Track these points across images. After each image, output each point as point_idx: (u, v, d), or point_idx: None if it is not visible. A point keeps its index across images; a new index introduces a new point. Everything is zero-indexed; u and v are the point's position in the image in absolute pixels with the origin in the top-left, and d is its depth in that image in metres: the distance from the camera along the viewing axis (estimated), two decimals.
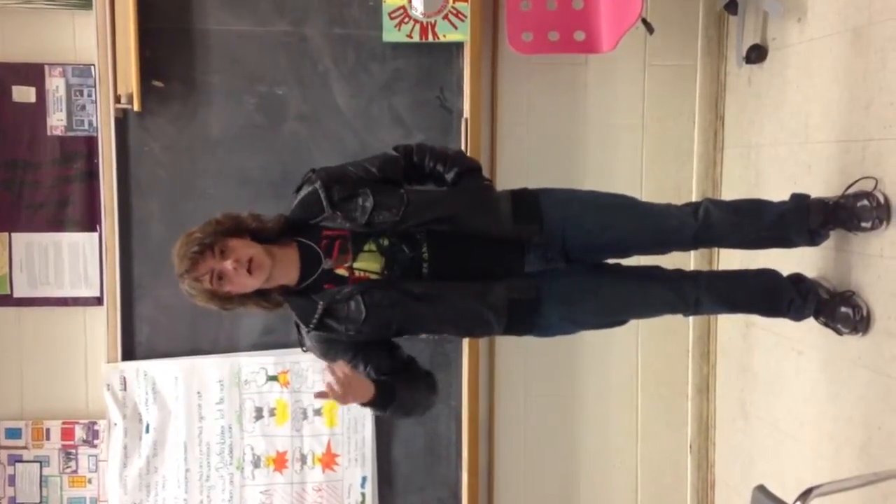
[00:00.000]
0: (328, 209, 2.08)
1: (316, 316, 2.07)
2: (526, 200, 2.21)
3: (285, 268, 2.08)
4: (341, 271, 2.10)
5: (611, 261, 2.36)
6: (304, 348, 2.19)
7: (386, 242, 2.11)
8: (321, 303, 2.06)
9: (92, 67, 2.99)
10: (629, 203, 2.33)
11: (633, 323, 3.22)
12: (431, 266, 2.12)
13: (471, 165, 2.28)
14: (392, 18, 2.96)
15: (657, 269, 2.37)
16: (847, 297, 2.33)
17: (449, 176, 2.23)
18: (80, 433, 3.10)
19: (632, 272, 2.35)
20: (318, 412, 3.08)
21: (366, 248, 2.10)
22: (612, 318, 2.32)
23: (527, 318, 2.19)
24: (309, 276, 2.10)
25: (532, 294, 2.16)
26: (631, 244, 2.31)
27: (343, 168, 2.18)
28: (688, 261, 3.15)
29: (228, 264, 1.97)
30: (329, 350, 2.14)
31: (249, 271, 1.99)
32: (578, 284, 2.23)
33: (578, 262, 2.27)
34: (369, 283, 2.09)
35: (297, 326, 2.15)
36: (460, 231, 2.12)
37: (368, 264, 2.10)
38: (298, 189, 2.17)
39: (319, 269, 2.09)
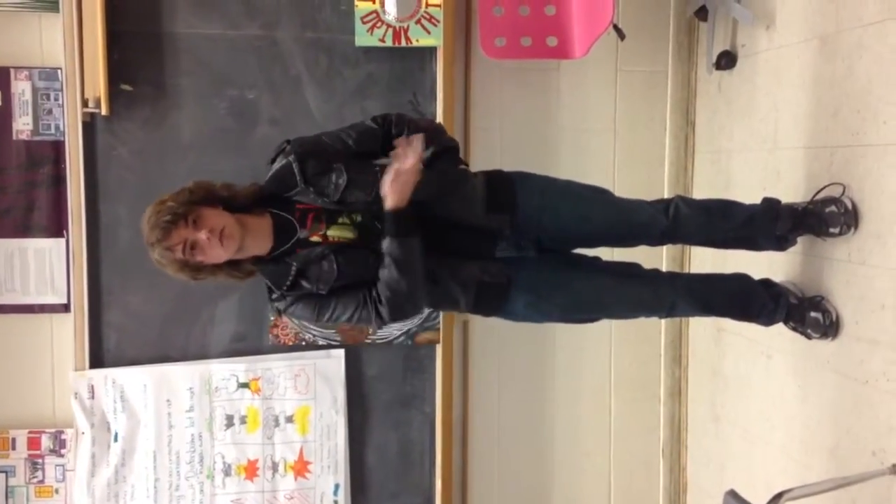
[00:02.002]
0: (301, 184, 2.06)
1: (290, 277, 2.05)
2: (501, 188, 2.20)
3: (258, 238, 2.06)
4: (316, 238, 2.09)
5: (590, 254, 2.36)
6: (280, 312, 2.17)
7: (359, 218, 2.10)
8: (294, 264, 2.05)
9: (59, 71, 2.94)
10: (604, 196, 2.33)
11: (605, 327, 3.29)
12: None
13: (448, 144, 2.23)
14: (364, 23, 2.94)
15: (635, 266, 2.37)
16: (816, 302, 2.35)
17: (425, 154, 2.19)
18: (46, 442, 3.04)
19: (609, 268, 2.35)
20: (289, 419, 3.06)
21: (339, 221, 2.10)
22: (582, 313, 2.31)
23: (494, 301, 2.19)
24: (282, 245, 2.08)
25: (503, 279, 2.16)
26: (602, 237, 2.32)
27: (318, 139, 2.14)
28: (659, 261, 3.18)
29: (202, 234, 1.94)
30: (306, 307, 2.10)
31: (220, 241, 1.96)
32: (550, 276, 2.22)
33: (550, 252, 2.26)
34: (342, 244, 2.08)
35: (269, 291, 2.12)
36: (432, 216, 2.11)
37: (342, 232, 2.10)
38: (273, 160, 2.13)
39: (294, 239, 2.08)
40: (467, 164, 2.30)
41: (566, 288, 2.24)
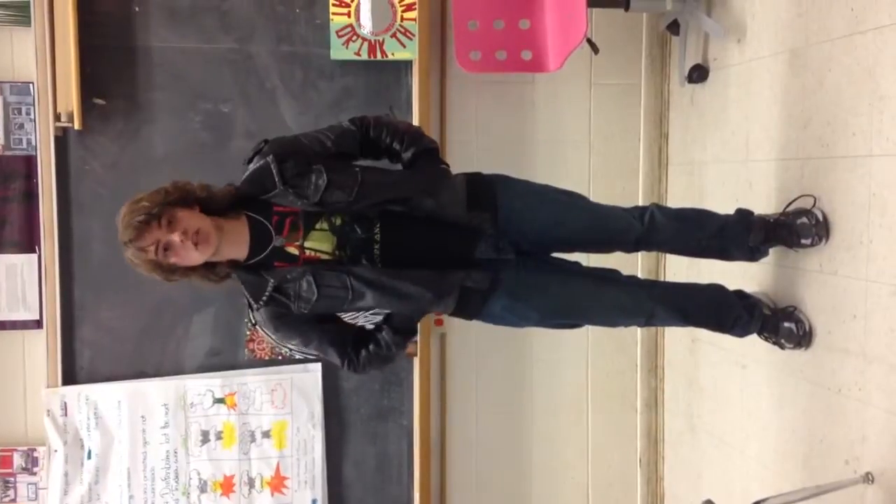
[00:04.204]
0: (280, 185, 2.02)
1: (266, 293, 2.03)
2: (481, 188, 2.19)
3: (234, 242, 2.03)
4: (292, 249, 2.07)
5: (568, 259, 2.36)
6: (255, 324, 2.16)
7: (338, 222, 2.08)
8: (272, 280, 2.03)
9: (31, 85, 2.92)
10: (580, 201, 2.33)
11: (582, 338, 3.31)
12: (383, 247, 2.09)
13: (428, 146, 2.22)
14: (340, 36, 2.95)
15: (614, 272, 2.37)
16: (789, 313, 2.38)
17: (406, 155, 2.19)
18: (18, 460, 3.00)
19: (587, 272, 2.34)
20: (266, 434, 3.04)
21: (317, 226, 2.07)
22: (560, 318, 2.30)
23: (476, 304, 2.18)
24: (259, 252, 2.06)
25: (486, 285, 2.15)
26: (578, 241, 2.33)
27: (297, 140, 2.12)
28: (634, 269, 3.19)
29: (175, 236, 1.91)
30: (281, 325, 2.11)
31: (195, 244, 1.93)
32: (527, 279, 2.21)
33: (528, 256, 2.26)
34: (320, 264, 2.06)
35: (248, 302, 2.10)
36: (413, 214, 2.10)
37: (319, 244, 2.07)
38: (249, 160, 2.10)
39: (270, 247, 2.05)
40: (448, 165, 2.28)
41: (544, 291, 2.23)
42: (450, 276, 2.11)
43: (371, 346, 2.17)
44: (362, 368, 2.18)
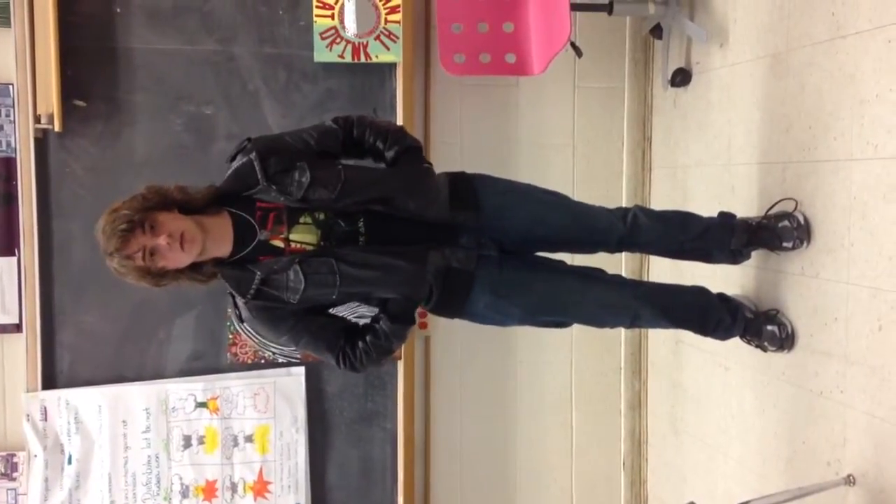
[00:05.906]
0: (263, 182, 2.02)
1: (254, 286, 2.02)
2: (464, 186, 2.20)
3: (218, 239, 2.02)
4: (277, 242, 2.06)
5: (554, 257, 2.36)
6: (241, 321, 2.15)
7: (322, 217, 2.08)
8: (258, 273, 2.02)
9: (10, 86, 2.89)
10: (563, 201, 2.34)
11: (566, 340, 3.31)
12: (367, 240, 2.10)
13: (411, 144, 2.22)
14: (323, 38, 2.94)
15: (599, 271, 2.36)
16: (771, 316, 2.39)
17: (389, 154, 2.19)
18: None
19: (572, 270, 2.34)
20: (249, 439, 3.02)
21: (301, 220, 2.07)
22: (545, 315, 2.29)
23: (459, 294, 2.16)
24: (243, 247, 2.05)
25: (471, 266, 2.14)
26: (561, 240, 2.33)
27: (280, 138, 2.13)
28: (618, 271, 3.19)
29: (162, 240, 1.90)
30: (268, 320, 2.10)
31: (181, 246, 1.92)
32: (511, 276, 2.21)
33: (512, 254, 2.26)
34: (306, 253, 2.06)
35: (233, 298, 2.09)
36: (396, 212, 2.11)
37: (304, 236, 2.07)
38: (233, 158, 2.10)
39: (255, 241, 2.05)
40: (431, 164, 2.28)
41: (527, 288, 2.23)
42: (435, 251, 2.11)
43: (368, 338, 2.14)
44: (359, 362, 2.14)
